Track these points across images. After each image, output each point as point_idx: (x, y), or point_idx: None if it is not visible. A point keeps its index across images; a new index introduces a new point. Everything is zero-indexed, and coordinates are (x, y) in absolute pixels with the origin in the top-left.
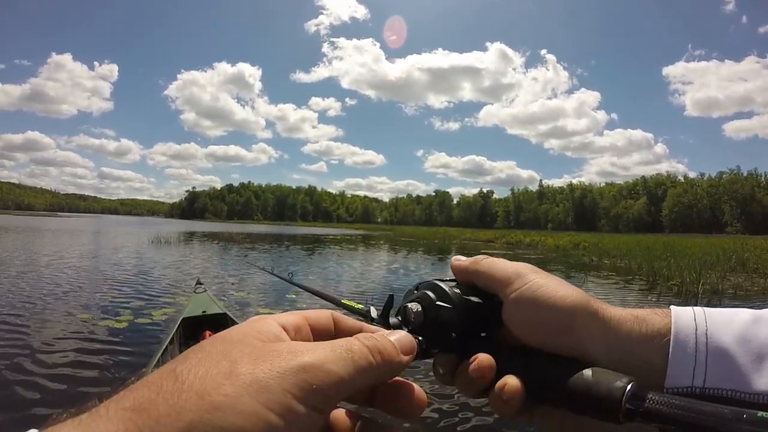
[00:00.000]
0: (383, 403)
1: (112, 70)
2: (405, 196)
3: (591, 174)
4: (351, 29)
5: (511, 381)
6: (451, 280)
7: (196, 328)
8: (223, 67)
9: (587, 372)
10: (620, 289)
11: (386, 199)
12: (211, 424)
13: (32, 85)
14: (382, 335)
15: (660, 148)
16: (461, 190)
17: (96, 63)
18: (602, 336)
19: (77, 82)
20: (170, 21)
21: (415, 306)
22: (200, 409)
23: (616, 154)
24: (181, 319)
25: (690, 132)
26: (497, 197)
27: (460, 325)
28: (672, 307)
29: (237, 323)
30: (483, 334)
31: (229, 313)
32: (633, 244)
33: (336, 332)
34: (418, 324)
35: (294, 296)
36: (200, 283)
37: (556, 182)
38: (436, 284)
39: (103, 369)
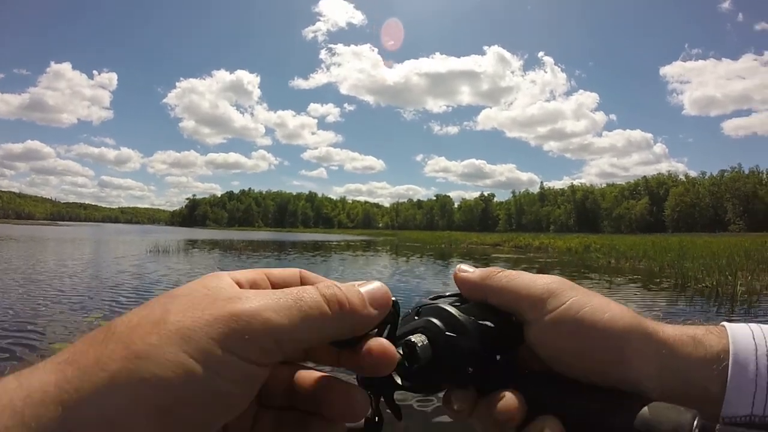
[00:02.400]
0: (349, 361)
1: (111, 78)
2: (406, 200)
3: (591, 175)
4: (348, 35)
5: (549, 425)
6: (454, 296)
7: None
8: (222, 75)
9: (644, 410)
10: (647, 293)
11: (387, 204)
12: (132, 372)
13: (31, 95)
14: (351, 285)
15: (659, 147)
16: (462, 193)
17: (95, 72)
18: (656, 363)
19: (76, 91)
20: (168, 29)
21: (419, 339)
22: (123, 358)
23: (615, 154)
24: None
25: (689, 131)
26: (498, 200)
27: (478, 357)
28: (725, 323)
29: None
30: (498, 357)
31: None
32: (647, 244)
33: None
34: (426, 360)
35: None
36: None
37: (557, 184)
38: (442, 309)
39: None
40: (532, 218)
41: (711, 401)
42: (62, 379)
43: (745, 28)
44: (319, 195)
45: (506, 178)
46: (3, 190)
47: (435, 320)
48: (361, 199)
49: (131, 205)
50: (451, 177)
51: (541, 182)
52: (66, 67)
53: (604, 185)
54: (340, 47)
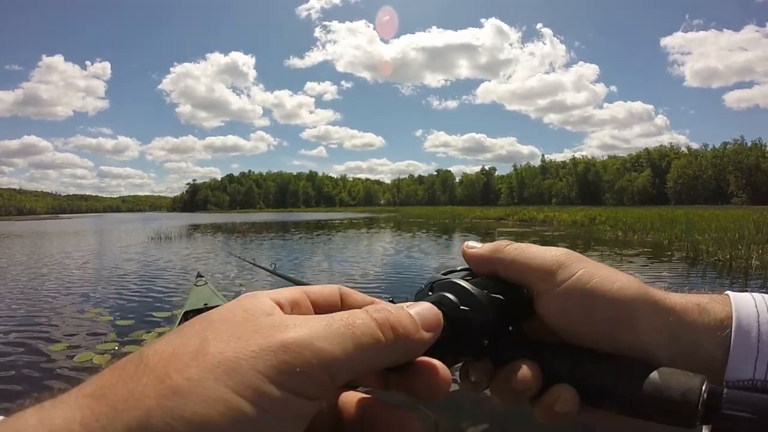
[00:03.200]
0: (401, 384)
1: (104, 68)
2: (407, 176)
3: (592, 147)
4: (343, 11)
5: (564, 393)
6: (463, 270)
7: None
8: (216, 57)
9: (654, 375)
10: (658, 266)
11: (388, 181)
12: (170, 411)
13: (25, 90)
14: (399, 306)
15: (660, 119)
16: (462, 168)
17: (88, 62)
18: (664, 330)
19: (70, 83)
20: (160, 14)
21: None
22: (159, 394)
23: (616, 126)
24: (182, 313)
25: (690, 103)
26: (500, 174)
27: (492, 329)
28: (729, 292)
29: None
30: (510, 328)
31: None
32: (653, 217)
33: (343, 309)
34: (443, 334)
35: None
36: (201, 276)
37: (558, 157)
38: (455, 283)
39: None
40: (534, 191)
41: (716, 366)
42: (89, 416)
43: None
44: (320, 174)
45: (507, 151)
46: (3, 187)
47: (449, 295)
48: (362, 176)
49: (132, 194)
50: (451, 152)
51: (543, 155)
52: (58, 59)
53: (605, 157)
54: (334, 24)
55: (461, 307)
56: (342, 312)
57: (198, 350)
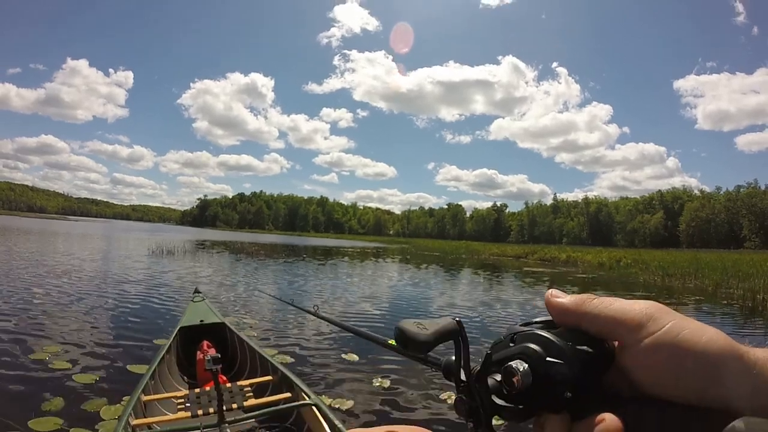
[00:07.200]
0: None
1: (127, 77)
2: (417, 208)
3: (602, 188)
4: (363, 41)
5: None
6: (544, 321)
7: (194, 338)
8: (236, 77)
9: (739, 424)
10: (713, 318)
11: (397, 212)
12: None
13: (47, 90)
14: None
15: (672, 161)
16: (472, 203)
17: (111, 70)
18: (749, 383)
19: (92, 88)
20: (185, 31)
21: (520, 365)
22: None
23: (627, 168)
24: (178, 328)
25: (702, 145)
26: (510, 211)
27: (575, 382)
28: None
29: (235, 333)
30: (592, 382)
31: (227, 323)
32: (682, 261)
33: None
34: (526, 386)
35: (300, 318)
36: (198, 292)
37: (568, 196)
38: (539, 335)
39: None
40: (545, 230)
41: None
42: None
43: (760, 42)
44: (331, 200)
45: (517, 188)
46: (16, 182)
47: (534, 346)
48: (372, 205)
49: (142, 203)
50: (462, 186)
51: (554, 194)
52: (83, 63)
53: (616, 198)
54: (354, 53)
55: (547, 359)
56: None
57: None
